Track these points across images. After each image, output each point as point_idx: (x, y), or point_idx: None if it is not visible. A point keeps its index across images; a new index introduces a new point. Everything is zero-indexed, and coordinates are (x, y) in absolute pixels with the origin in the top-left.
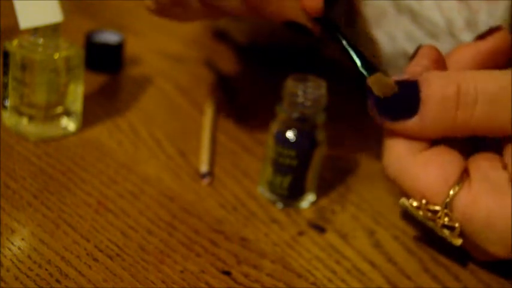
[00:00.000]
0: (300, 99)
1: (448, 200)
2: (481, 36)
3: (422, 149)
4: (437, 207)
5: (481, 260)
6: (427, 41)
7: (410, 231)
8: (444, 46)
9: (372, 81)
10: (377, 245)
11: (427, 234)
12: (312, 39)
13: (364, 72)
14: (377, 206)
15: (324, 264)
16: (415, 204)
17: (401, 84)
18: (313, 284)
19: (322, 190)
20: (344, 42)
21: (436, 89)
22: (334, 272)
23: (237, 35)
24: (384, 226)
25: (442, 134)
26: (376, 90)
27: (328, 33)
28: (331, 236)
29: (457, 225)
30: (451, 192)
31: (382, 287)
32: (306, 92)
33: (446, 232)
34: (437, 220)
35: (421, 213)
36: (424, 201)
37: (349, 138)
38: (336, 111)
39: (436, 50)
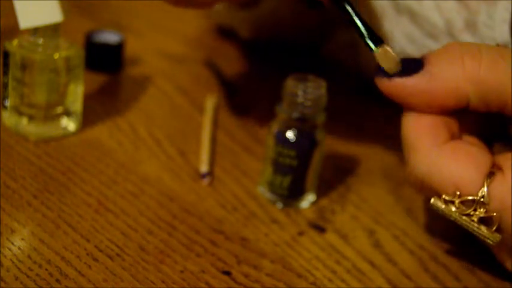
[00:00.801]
0: (300, 99)
1: (484, 188)
2: None
3: (447, 140)
4: (471, 197)
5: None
6: (426, 41)
7: (411, 231)
8: None
9: (379, 54)
10: (377, 245)
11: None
12: (320, 10)
13: (371, 45)
14: (377, 206)
15: (324, 264)
16: (447, 198)
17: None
18: (313, 284)
19: (322, 190)
20: (352, 13)
21: (435, 51)
22: (334, 272)
23: (241, 30)
24: (384, 226)
25: (453, 89)
26: (383, 64)
27: (336, 3)
28: (331, 236)
29: (495, 214)
30: (486, 181)
31: (382, 287)
32: (306, 92)
33: (483, 228)
34: (473, 213)
35: (453, 209)
36: (457, 192)
37: (349, 138)
38: (336, 111)
39: None
